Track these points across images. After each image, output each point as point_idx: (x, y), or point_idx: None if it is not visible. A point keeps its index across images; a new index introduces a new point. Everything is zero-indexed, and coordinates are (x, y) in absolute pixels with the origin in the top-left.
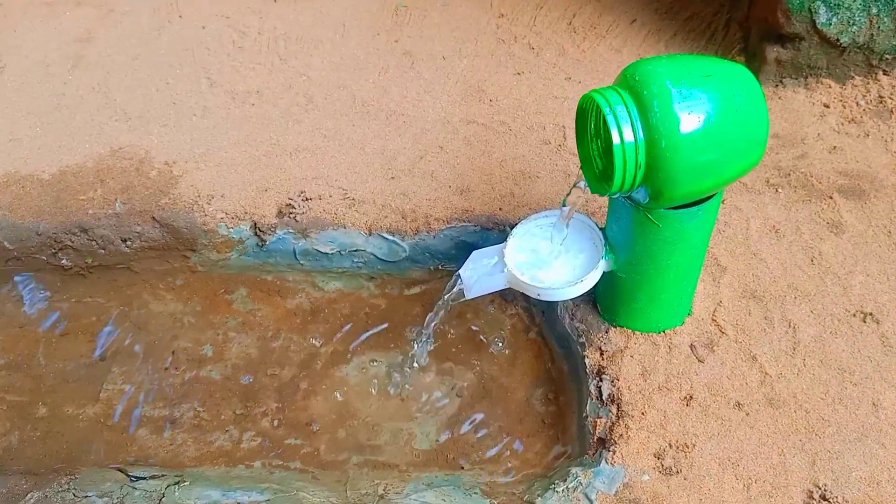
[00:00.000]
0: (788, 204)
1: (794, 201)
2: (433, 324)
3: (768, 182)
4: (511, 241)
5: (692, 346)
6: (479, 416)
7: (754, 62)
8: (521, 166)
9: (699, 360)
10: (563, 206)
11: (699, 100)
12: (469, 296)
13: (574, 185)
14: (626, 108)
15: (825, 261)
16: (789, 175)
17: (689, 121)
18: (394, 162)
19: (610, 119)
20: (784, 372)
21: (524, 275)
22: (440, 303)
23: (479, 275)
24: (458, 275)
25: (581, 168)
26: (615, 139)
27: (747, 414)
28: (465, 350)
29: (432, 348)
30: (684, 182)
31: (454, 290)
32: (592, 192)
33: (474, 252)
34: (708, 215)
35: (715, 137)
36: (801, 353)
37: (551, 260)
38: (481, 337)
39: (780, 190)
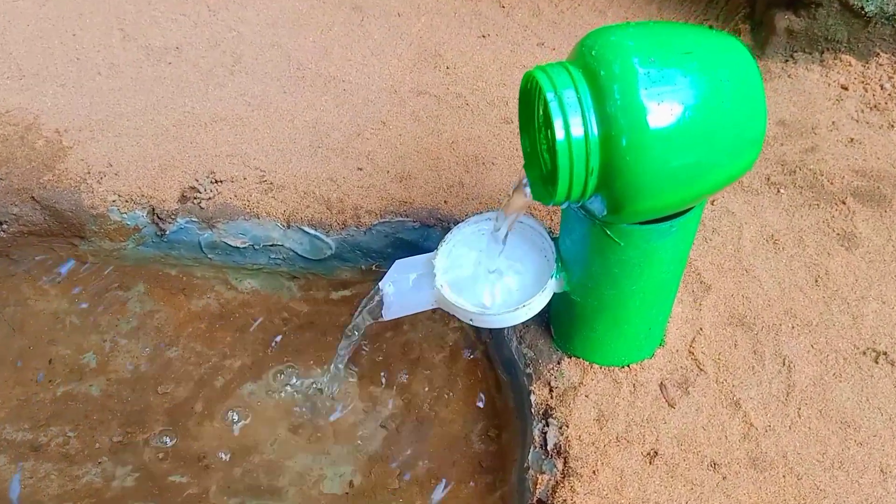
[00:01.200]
0: (792, 208)
1: (799, 205)
2: (346, 351)
3: (769, 180)
4: (443, 249)
5: (662, 386)
6: (405, 454)
7: (761, 31)
8: (475, 149)
9: (669, 405)
10: (500, 216)
11: (675, 85)
12: (388, 317)
13: (514, 189)
14: (577, 92)
15: (832, 282)
16: (795, 172)
17: (660, 113)
18: (326, 139)
19: (553, 107)
20: (773, 424)
21: (455, 294)
22: (352, 324)
23: (401, 291)
24: (379, 287)
25: (524, 166)
26: (559, 134)
27: (724, 477)
28: (395, 371)
29: (346, 374)
30: (652, 192)
31: (372, 304)
32: (535, 199)
33: (397, 262)
34: (684, 233)
35: (694, 135)
36: (795, 399)
37: (490, 276)
38: (417, 355)
39: (782, 190)
